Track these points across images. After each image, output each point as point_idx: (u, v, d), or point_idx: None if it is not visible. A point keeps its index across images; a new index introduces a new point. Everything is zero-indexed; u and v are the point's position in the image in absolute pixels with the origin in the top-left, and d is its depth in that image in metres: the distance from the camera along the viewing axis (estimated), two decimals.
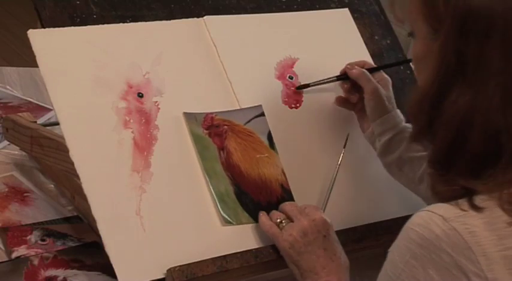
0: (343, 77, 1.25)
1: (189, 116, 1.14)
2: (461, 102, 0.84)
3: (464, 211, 0.83)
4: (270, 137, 1.18)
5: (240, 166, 1.14)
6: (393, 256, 0.87)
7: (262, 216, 1.09)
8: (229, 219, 1.09)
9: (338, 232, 1.13)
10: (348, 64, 1.25)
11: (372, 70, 1.25)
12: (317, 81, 1.26)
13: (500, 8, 0.83)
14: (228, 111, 1.17)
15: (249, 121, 1.18)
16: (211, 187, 1.10)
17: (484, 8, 0.83)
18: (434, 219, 0.83)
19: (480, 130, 0.84)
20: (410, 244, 0.84)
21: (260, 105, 1.20)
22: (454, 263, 0.81)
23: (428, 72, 0.87)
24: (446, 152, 0.87)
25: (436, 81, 0.86)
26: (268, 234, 1.07)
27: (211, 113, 1.15)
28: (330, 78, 1.26)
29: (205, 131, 1.14)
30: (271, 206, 1.12)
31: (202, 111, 1.15)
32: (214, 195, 1.10)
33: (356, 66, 1.24)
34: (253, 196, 1.13)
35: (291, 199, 1.14)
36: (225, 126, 1.16)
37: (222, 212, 1.09)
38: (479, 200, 0.84)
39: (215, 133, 1.15)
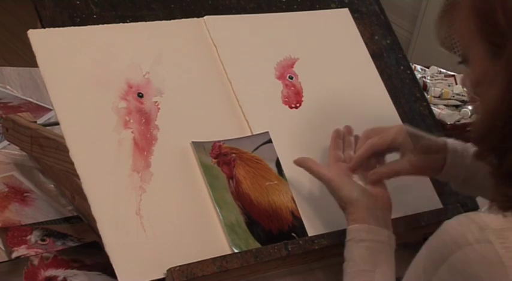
0: None
1: (197, 145, 1.13)
2: None
3: (508, 223, 0.80)
4: (278, 164, 1.17)
5: (250, 194, 1.13)
6: (422, 251, 0.86)
7: None
8: (239, 251, 1.08)
9: (337, 232, 1.13)
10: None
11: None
12: None
13: None
14: (236, 139, 1.16)
15: (256, 148, 1.17)
16: (221, 218, 1.09)
17: None
18: (471, 227, 0.81)
19: None
20: (441, 244, 0.83)
21: (267, 132, 1.19)
22: (478, 276, 0.79)
23: (495, 91, 0.84)
24: None
25: (506, 96, 0.83)
26: None
27: (219, 142, 1.15)
28: None
29: (213, 160, 1.13)
30: (283, 234, 1.12)
31: (209, 140, 1.14)
32: (225, 226, 1.08)
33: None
34: (264, 225, 1.12)
35: (302, 226, 1.14)
36: (233, 155, 1.15)
37: (232, 243, 1.08)
38: None
39: (223, 162, 1.14)
